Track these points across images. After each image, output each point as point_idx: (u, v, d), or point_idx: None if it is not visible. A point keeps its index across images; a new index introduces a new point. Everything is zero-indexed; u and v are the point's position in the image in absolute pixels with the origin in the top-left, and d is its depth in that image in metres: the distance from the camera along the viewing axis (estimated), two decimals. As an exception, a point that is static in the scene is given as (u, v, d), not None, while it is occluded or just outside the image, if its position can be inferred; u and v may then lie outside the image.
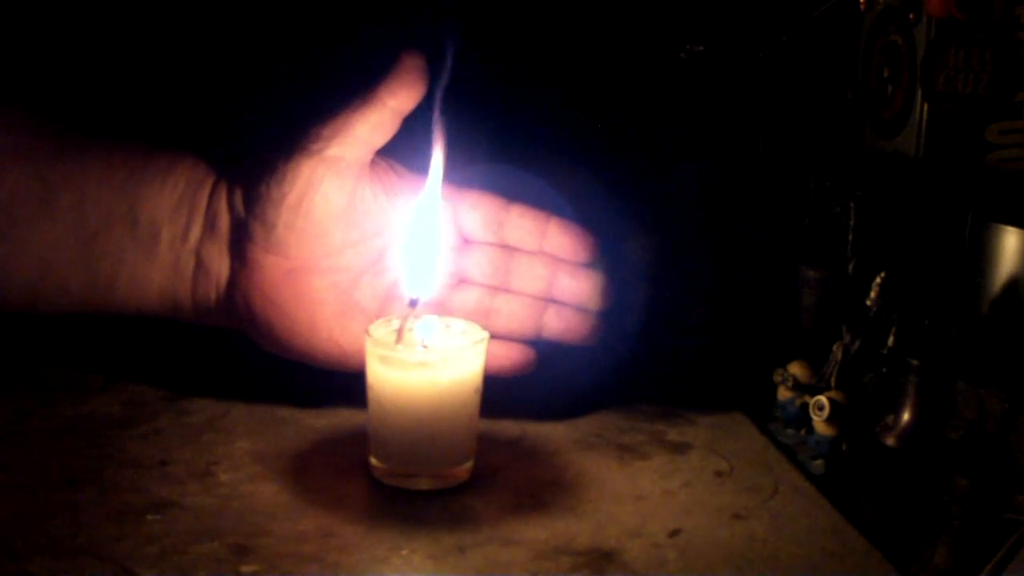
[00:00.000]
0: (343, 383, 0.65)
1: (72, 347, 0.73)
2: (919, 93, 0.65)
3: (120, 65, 0.79)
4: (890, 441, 0.58)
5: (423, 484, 0.59)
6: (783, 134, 0.75)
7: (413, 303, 0.61)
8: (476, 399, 0.60)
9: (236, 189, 0.65)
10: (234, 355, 0.68)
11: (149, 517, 0.55)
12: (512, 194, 0.68)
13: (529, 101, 0.81)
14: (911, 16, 0.66)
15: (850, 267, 0.66)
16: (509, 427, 0.67)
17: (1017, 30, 0.64)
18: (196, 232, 0.65)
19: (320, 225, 0.64)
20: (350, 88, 0.64)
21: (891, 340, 0.61)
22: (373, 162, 0.66)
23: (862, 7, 0.72)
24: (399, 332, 0.60)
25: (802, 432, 0.66)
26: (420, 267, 0.62)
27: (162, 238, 0.65)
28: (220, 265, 0.65)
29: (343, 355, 0.65)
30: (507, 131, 0.77)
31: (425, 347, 0.61)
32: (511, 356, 0.66)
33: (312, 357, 0.65)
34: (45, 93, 0.72)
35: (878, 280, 0.62)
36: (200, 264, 0.65)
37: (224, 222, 0.65)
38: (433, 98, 0.62)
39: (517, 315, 0.67)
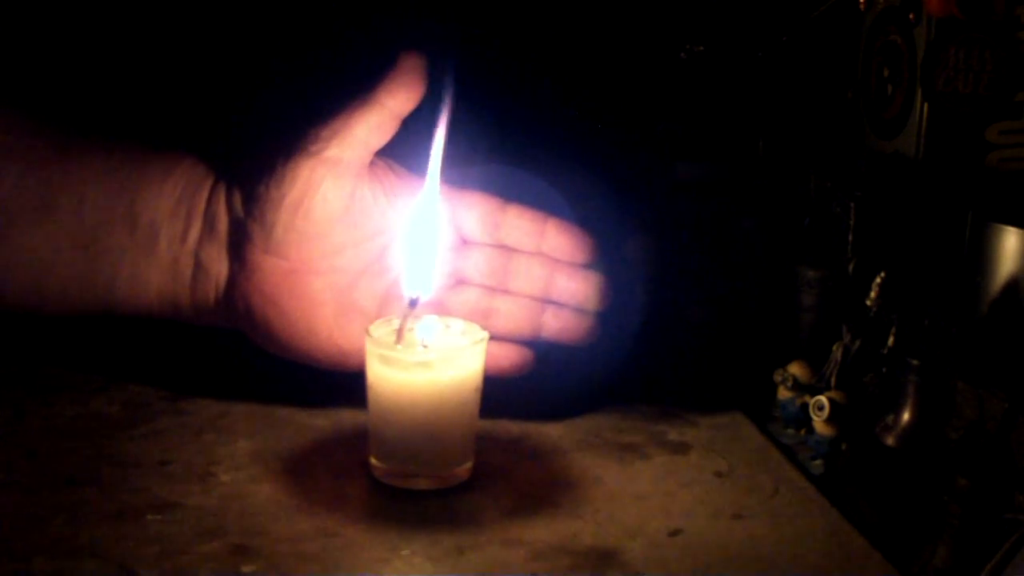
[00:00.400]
0: (343, 383, 0.65)
1: (72, 347, 0.73)
2: (919, 93, 0.65)
3: (120, 65, 0.79)
4: (890, 441, 0.58)
5: (423, 484, 0.59)
6: (783, 134, 0.75)
7: (413, 303, 0.61)
8: (476, 399, 0.60)
9: (235, 190, 0.65)
10: (234, 355, 0.68)
11: (149, 517, 0.55)
12: (510, 194, 0.68)
13: (528, 101, 0.81)
14: (911, 16, 0.66)
15: (850, 267, 0.66)
16: (509, 427, 0.66)
17: (1017, 30, 0.64)
18: (195, 233, 0.65)
19: (319, 226, 0.64)
20: (349, 89, 0.64)
21: (891, 340, 0.61)
22: (372, 162, 0.66)
23: (862, 7, 0.72)
24: (399, 332, 0.60)
25: (802, 432, 0.66)
26: (419, 267, 0.62)
27: (161, 239, 0.65)
28: (219, 266, 0.65)
29: (342, 355, 0.65)
30: (506, 131, 0.77)
31: (425, 347, 0.61)
32: (509, 357, 0.66)
33: (311, 357, 0.65)
34: (45, 93, 0.72)
35: (878, 280, 0.62)
36: (199, 265, 0.65)
37: (223, 223, 0.65)
38: (434, 101, 0.62)
39: (515, 316, 0.67)
